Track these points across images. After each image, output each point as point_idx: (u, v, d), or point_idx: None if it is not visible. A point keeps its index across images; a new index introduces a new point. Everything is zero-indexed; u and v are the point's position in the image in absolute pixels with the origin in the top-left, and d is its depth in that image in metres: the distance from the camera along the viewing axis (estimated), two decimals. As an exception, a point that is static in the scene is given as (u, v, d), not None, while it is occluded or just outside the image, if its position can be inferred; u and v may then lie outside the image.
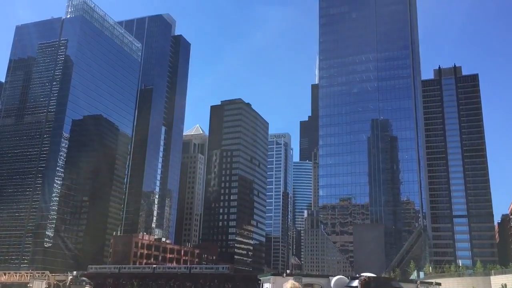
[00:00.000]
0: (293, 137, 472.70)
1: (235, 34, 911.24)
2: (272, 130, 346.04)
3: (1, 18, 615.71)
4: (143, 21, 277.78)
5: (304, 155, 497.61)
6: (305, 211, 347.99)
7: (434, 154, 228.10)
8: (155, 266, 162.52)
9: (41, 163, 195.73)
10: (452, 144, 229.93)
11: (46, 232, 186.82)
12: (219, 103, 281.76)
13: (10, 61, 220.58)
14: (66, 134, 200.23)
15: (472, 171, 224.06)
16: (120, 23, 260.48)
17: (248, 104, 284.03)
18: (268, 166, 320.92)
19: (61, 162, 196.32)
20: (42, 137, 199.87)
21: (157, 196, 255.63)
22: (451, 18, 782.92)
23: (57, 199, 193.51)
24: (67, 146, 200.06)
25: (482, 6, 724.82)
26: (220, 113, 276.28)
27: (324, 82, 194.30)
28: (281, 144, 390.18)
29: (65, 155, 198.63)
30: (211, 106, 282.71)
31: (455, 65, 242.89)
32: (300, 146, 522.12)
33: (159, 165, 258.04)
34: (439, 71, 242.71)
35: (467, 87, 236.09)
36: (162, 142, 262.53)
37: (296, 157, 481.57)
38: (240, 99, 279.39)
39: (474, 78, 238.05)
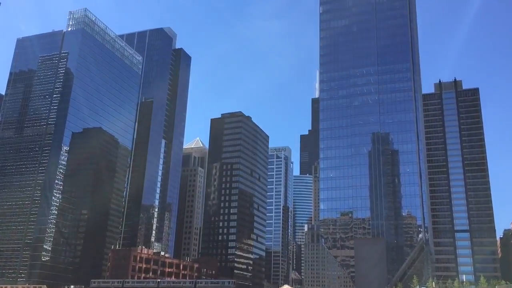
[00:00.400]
0: (293, 151, 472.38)
1: (235, 48, 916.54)
2: (272, 144, 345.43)
3: (2, 31, 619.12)
4: (144, 35, 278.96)
5: (304, 169, 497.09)
6: (306, 225, 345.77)
7: (435, 168, 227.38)
8: (159, 280, 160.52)
9: (40, 176, 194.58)
10: (453, 158, 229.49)
11: (44, 246, 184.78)
12: (220, 116, 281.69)
13: (11, 73, 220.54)
14: (65, 147, 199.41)
15: (474, 185, 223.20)
16: (121, 36, 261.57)
17: (249, 117, 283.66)
18: (268, 180, 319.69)
19: (60, 175, 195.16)
20: (41, 150, 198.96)
21: (156, 210, 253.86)
22: (451, 32, 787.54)
23: (56, 212, 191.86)
24: (66, 159, 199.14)
25: (482, 20, 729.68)
26: (220, 126, 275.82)
27: (325, 95, 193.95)
28: (281, 157, 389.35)
29: (64, 168, 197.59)
30: (211, 119, 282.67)
31: (455, 79, 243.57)
32: (300, 160, 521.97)
33: (159, 178, 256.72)
34: (439, 85, 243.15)
35: (468, 101, 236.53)
36: (162, 155, 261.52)
37: (296, 171, 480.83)
38: (240, 112, 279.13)
39: (474, 92, 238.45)
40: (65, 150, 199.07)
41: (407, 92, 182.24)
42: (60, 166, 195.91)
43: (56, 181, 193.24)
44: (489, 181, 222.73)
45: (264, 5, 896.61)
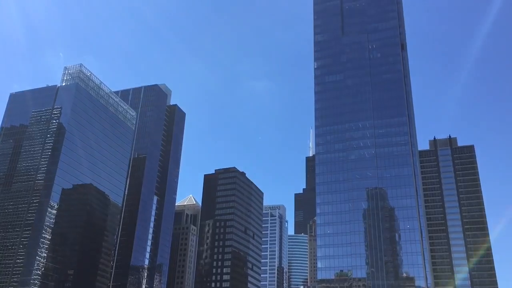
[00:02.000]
0: (288, 210, 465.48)
1: (229, 105, 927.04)
2: (266, 202, 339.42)
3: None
4: (139, 91, 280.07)
5: (299, 228, 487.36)
6: (301, 287, 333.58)
7: (433, 226, 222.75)
8: None
9: (25, 233, 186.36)
10: (452, 216, 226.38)
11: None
12: (213, 172, 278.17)
13: (1, 128, 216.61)
14: (54, 203, 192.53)
15: (474, 245, 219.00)
16: (117, 92, 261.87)
17: (243, 173, 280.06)
18: (262, 239, 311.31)
19: (46, 233, 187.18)
20: (28, 206, 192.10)
21: (146, 271, 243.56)
22: (445, 90, 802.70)
23: (40, 272, 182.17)
24: (54, 215, 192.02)
25: (476, 78, 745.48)
26: (214, 181, 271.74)
27: (321, 149, 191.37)
28: (275, 216, 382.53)
29: (52, 225, 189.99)
30: (204, 175, 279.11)
31: (450, 136, 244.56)
32: (295, 219, 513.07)
33: (150, 237, 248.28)
34: (434, 142, 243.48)
35: (464, 158, 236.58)
36: (153, 213, 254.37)
37: (290, 230, 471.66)
38: (234, 167, 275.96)
39: (470, 149, 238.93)
40: (54, 206, 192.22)
41: (404, 146, 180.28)
42: (47, 223, 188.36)
43: (42, 239, 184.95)
44: (489, 240, 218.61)
45: (257, 64, 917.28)
